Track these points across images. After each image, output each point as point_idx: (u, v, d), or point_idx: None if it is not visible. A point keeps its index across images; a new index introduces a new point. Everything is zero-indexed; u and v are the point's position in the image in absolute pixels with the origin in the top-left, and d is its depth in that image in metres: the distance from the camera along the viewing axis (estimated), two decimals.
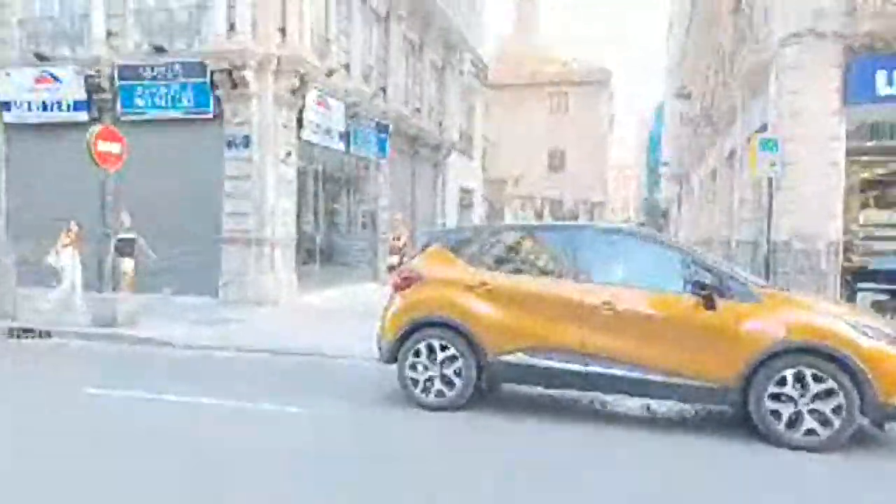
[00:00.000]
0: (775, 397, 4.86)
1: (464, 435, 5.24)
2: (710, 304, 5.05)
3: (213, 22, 12.31)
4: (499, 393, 6.36)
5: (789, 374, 4.81)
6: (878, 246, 12.00)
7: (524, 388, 6.35)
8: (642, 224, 40.39)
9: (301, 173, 13.87)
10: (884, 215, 12.48)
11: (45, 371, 7.64)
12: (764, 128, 12.72)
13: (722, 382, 5.00)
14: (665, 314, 5.23)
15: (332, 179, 15.93)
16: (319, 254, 15.01)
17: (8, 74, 13.39)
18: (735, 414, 5.46)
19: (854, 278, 11.37)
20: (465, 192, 27.31)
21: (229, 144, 12.40)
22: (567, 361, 5.37)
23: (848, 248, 11.64)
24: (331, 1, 15.01)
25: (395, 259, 13.34)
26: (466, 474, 4.37)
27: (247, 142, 12.32)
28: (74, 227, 10.97)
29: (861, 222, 12.29)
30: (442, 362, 5.67)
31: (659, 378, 5.14)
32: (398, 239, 13.46)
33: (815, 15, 11.01)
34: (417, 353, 5.77)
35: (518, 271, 5.91)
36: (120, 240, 11.12)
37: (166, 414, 5.69)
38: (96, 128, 10.02)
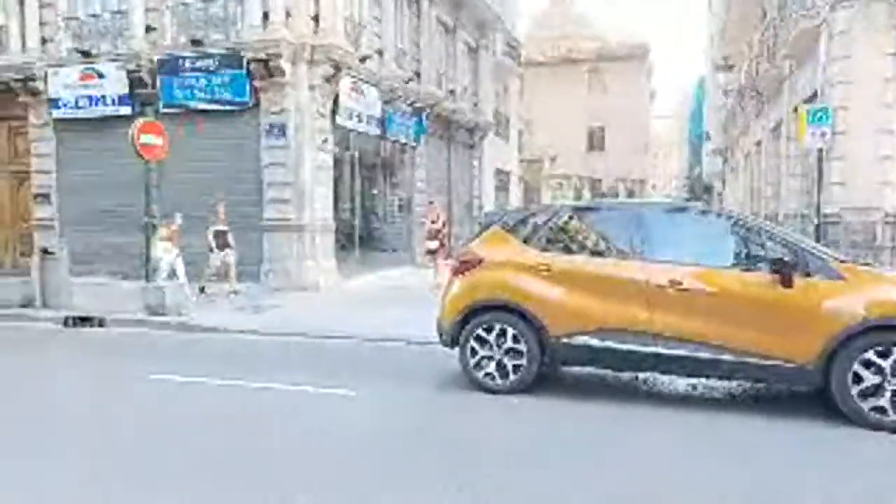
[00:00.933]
0: (867, 364, 4.66)
1: (529, 417, 5.18)
2: (787, 282, 4.88)
3: (248, 13, 12.45)
4: (559, 375, 6.29)
5: None
6: None
7: (581, 370, 6.27)
8: (690, 199, 39.31)
9: (337, 159, 13.98)
10: None
11: (104, 358, 7.90)
12: (812, 97, 12.24)
13: (800, 361, 4.84)
14: (738, 292, 5.03)
15: (368, 165, 16.01)
16: (358, 239, 15.16)
17: (56, 73, 13.86)
18: (805, 393, 5.34)
19: None
20: (502, 173, 27.08)
21: (267, 133, 12.59)
22: (634, 343, 5.23)
23: None
24: None
25: (433, 244, 13.38)
26: (535, 456, 4.33)
27: (284, 130, 12.48)
28: (178, 221, 11.20)
29: None
30: (504, 347, 5.59)
31: (731, 358, 4.99)
32: (436, 223, 13.47)
33: None
34: (478, 337, 5.67)
35: (580, 252, 5.69)
36: (216, 232, 11.56)
37: (233, 398, 5.80)
38: (139, 121, 10.32)
